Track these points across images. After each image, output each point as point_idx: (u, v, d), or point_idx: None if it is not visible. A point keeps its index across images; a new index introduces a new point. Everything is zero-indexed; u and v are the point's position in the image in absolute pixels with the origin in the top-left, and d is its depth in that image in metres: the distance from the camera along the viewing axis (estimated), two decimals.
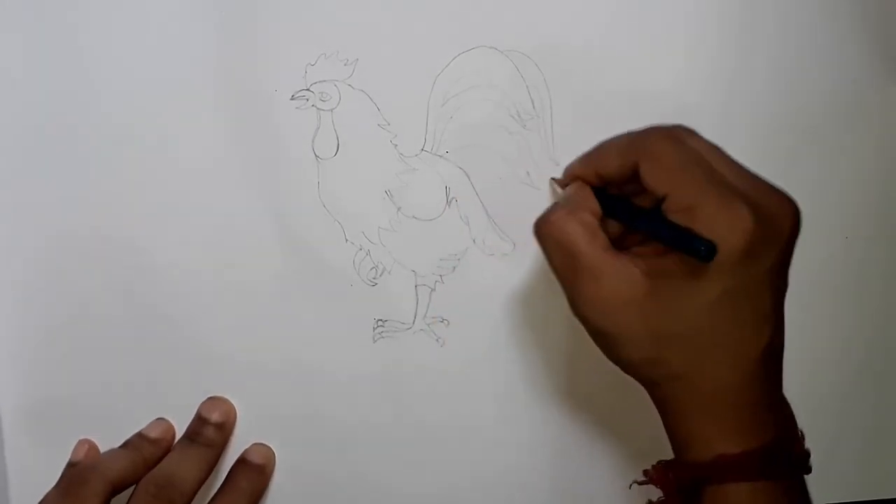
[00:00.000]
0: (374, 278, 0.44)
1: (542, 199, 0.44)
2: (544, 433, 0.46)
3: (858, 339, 0.47)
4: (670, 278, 0.33)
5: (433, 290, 0.44)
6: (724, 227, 0.32)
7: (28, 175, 0.43)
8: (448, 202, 0.44)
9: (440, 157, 0.43)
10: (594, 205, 0.36)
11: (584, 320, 0.35)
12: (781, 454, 0.34)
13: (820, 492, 0.47)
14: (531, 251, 0.44)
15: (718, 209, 0.32)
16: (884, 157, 0.46)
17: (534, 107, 0.43)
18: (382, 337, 0.45)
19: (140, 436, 0.44)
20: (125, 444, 0.43)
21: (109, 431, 0.44)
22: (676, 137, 0.34)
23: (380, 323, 0.45)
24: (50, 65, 0.42)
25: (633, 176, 0.35)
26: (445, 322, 0.45)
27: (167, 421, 0.44)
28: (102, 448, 0.44)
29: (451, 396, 0.45)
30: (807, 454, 0.35)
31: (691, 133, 0.35)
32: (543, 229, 0.35)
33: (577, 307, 0.35)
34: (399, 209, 0.44)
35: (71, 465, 0.44)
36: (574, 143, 0.43)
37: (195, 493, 0.42)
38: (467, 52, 0.43)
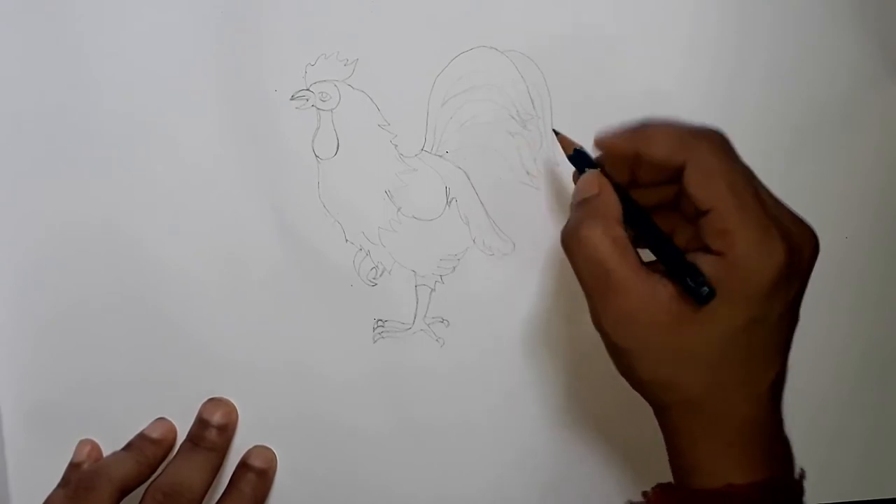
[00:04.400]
0: (374, 278, 0.44)
1: (542, 200, 0.44)
2: (544, 434, 0.46)
3: (858, 339, 0.47)
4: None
5: (433, 290, 0.44)
6: (760, 258, 0.31)
7: (28, 175, 0.43)
8: (448, 202, 0.44)
9: (440, 157, 0.43)
10: (619, 212, 0.34)
11: (606, 335, 0.34)
12: (785, 488, 0.34)
13: (820, 492, 0.47)
14: (531, 251, 0.44)
15: (756, 240, 0.31)
16: (884, 157, 0.45)
17: (534, 107, 0.43)
18: (382, 337, 0.45)
19: (142, 437, 0.44)
20: (128, 446, 0.43)
21: (110, 431, 0.44)
22: (729, 151, 0.33)
23: (380, 323, 0.45)
24: (50, 63, 0.42)
25: (673, 173, 0.34)
26: (445, 322, 0.45)
27: (168, 421, 0.44)
28: (103, 447, 0.44)
29: (451, 396, 0.45)
30: (803, 491, 0.35)
31: (730, 142, 0.34)
32: (573, 245, 0.34)
33: (601, 321, 0.34)
34: (399, 209, 0.44)
35: (73, 465, 0.44)
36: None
37: (202, 498, 0.42)
38: (467, 52, 0.43)
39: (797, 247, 0.32)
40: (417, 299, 0.45)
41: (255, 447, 0.45)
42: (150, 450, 0.43)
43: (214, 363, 0.44)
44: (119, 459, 0.42)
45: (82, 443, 0.44)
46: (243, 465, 0.44)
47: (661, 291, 0.33)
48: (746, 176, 0.33)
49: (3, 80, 0.42)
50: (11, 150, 0.43)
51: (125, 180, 0.43)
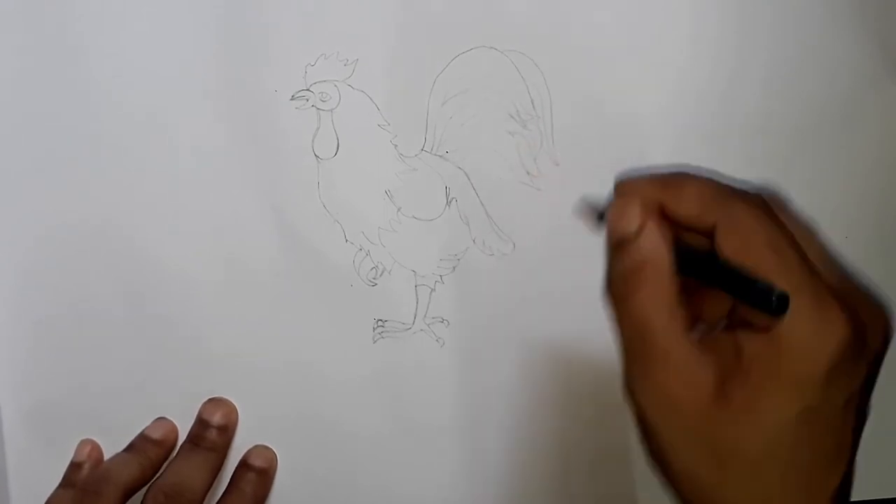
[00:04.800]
0: (374, 278, 0.44)
1: (542, 200, 0.44)
2: (544, 433, 0.46)
3: None
4: (744, 385, 0.27)
5: (433, 290, 0.44)
6: (815, 334, 0.26)
7: (28, 176, 0.43)
8: (448, 202, 0.44)
9: (440, 157, 0.43)
10: (669, 254, 0.28)
11: (639, 409, 0.29)
12: None
13: None
14: (531, 251, 0.44)
15: (809, 310, 0.26)
16: (884, 157, 0.45)
17: (534, 107, 0.43)
18: (382, 337, 0.45)
19: (143, 437, 0.44)
20: (129, 448, 0.43)
21: (110, 431, 0.44)
22: (769, 210, 0.28)
23: (380, 323, 0.45)
24: (50, 63, 0.42)
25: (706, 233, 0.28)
26: (445, 322, 0.45)
27: (169, 420, 0.44)
28: (104, 447, 0.44)
29: (451, 397, 0.45)
30: None
31: (785, 204, 0.30)
32: (619, 304, 0.29)
33: (636, 393, 0.29)
34: (399, 209, 0.44)
35: (73, 465, 0.44)
36: (574, 143, 0.43)
37: (203, 498, 0.42)
38: (467, 52, 0.43)
39: (862, 323, 0.27)
40: (417, 299, 0.45)
41: (256, 447, 0.45)
42: (152, 450, 0.43)
43: (214, 363, 0.44)
44: (123, 462, 0.42)
45: (83, 443, 0.44)
46: (243, 465, 0.44)
47: (707, 368, 0.27)
48: (792, 238, 0.28)
49: (3, 80, 0.42)
50: (11, 150, 0.43)
51: (125, 181, 0.43)
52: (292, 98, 0.42)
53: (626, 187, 0.30)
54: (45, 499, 0.41)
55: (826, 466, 0.28)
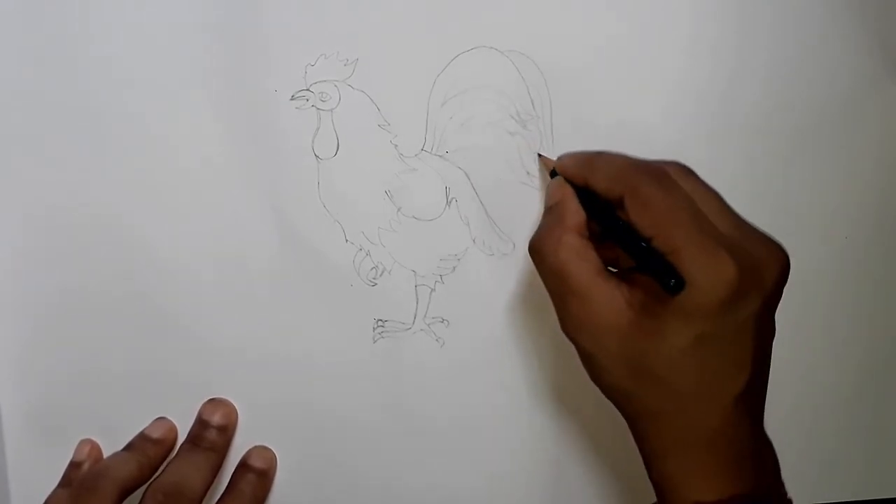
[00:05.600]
0: (374, 278, 0.44)
1: (542, 200, 0.44)
2: (543, 435, 0.46)
3: (858, 340, 0.47)
4: (652, 314, 0.33)
5: (433, 290, 0.44)
6: (706, 275, 0.32)
7: (27, 174, 0.43)
8: (448, 202, 0.44)
9: (440, 157, 0.43)
10: (581, 217, 0.36)
11: (572, 341, 0.36)
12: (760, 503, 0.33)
13: (820, 492, 0.47)
14: None
15: (701, 257, 0.32)
16: (884, 157, 0.46)
17: (534, 107, 0.43)
18: (382, 337, 0.45)
19: (143, 437, 0.44)
20: (129, 447, 0.43)
21: (110, 431, 0.44)
22: (667, 179, 0.34)
23: (380, 323, 0.45)
24: (50, 63, 0.42)
25: (619, 203, 0.35)
26: (445, 322, 0.45)
27: (169, 420, 0.44)
28: (104, 447, 0.44)
29: (451, 397, 0.45)
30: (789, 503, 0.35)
31: (687, 173, 0.35)
32: (534, 254, 0.36)
33: (566, 327, 0.36)
34: (399, 209, 0.44)
35: (73, 465, 0.44)
36: (574, 143, 0.43)
37: (203, 498, 0.42)
38: (467, 52, 0.43)
39: (753, 264, 0.33)
40: (417, 299, 0.45)
41: (255, 447, 0.45)
42: (151, 450, 0.43)
43: (214, 363, 0.44)
44: (121, 460, 0.42)
45: (82, 442, 0.44)
46: (243, 466, 0.44)
47: (619, 296, 0.34)
48: (687, 199, 0.34)
49: (3, 79, 0.42)
50: (10, 148, 0.43)
51: (125, 181, 0.43)
52: (292, 98, 0.42)
53: (557, 167, 0.39)
54: (45, 499, 0.41)
55: (724, 377, 0.33)
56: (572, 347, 0.36)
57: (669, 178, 0.34)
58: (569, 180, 0.38)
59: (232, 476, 0.44)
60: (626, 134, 0.43)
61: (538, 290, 0.44)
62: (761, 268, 0.33)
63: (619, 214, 0.36)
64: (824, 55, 0.44)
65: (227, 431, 0.44)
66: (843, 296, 0.46)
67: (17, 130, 0.42)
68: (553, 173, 0.40)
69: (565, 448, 0.46)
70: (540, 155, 0.42)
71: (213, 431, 0.44)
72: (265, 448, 0.45)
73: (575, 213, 0.36)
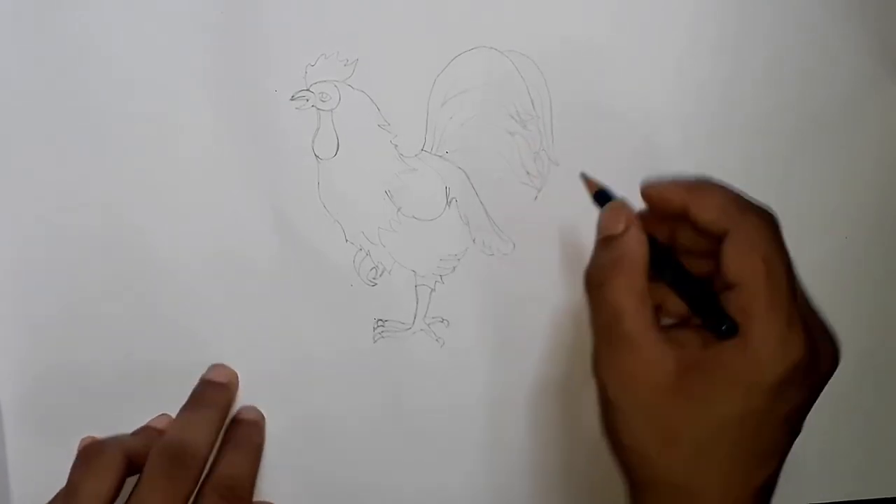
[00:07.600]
0: (374, 278, 0.44)
1: (542, 200, 0.44)
2: (542, 433, 0.46)
3: (858, 339, 0.47)
4: (702, 377, 0.31)
5: (433, 290, 0.44)
6: (776, 349, 0.30)
7: (27, 174, 0.43)
8: (448, 202, 0.44)
9: (440, 157, 0.43)
10: (647, 256, 0.32)
11: (602, 386, 0.33)
12: None
13: (820, 492, 0.47)
14: (531, 251, 0.44)
15: (778, 329, 0.30)
16: (884, 157, 0.46)
17: (534, 107, 0.43)
18: (382, 337, 0.45)
19: (148, 426, 0.43)
20: (134, 433, 0.43)
21: (110, 431, 0.44)
22: (776, 232, 0.32)
23: (380, 323, 0.45)
24: (51, 62, 0.42)
25: (712, 242, 0.32)
26: (445, 322, 0.45)
27: (171, 417, 0.44)
28: None
29: (451, 397, 0.45)
30: None
31: (779, 227, 0.32)
32: (594, 290, 0.33)
33: (600, 370, 0.33)
34: (399, 209, 0.44)
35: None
36: (574, 143, 0.43)
37: (209, 456, 0.41)
38: (467, 52, 0.43)
39: (816, 350, 0.31)
40: (417, 299, 0.45)
41: (242, 407, 0.44)
42: (156, 436, 0.42)
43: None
44: (125, 436, 0.42)
45: (83, 441, 0.44)
46: (235, 422, 0.44)
47: (669, 353, 0.31)
48: (787, 264, 0.31)
49: (3, 78, 0.42)
50: (10, 147, 0.43)
51: (125, 181, 0.43)
52: (292, 98, 0.42)
53: (651, 192, 0.33)
54: (45, 499, 0.41)
55: (757, 464, 0.31)
56: (572, 348, 0.36)
57: (778, 231, 0.32)
58: (655, 207, 0.34)
59: (226, 432, 0.43)
60: (626, 134, 0.43)
61: (538, 289, 0.44)
62: (818, 358, 0.31)
63: (676, 257, 0.34)
64: (824, 55, 0.44)
65: (228, 389, 0.43)
66: (843, 295, 0.46)
67: (17, 130, 0.42)
68: (600, 196, 0.35)
69: (566, 448, 0.46)
70: (584, 175, 0.36)
71: (214, 388, 0.43)
72: (251, 406, 0.44)
73: (641, 247, 0.32)
